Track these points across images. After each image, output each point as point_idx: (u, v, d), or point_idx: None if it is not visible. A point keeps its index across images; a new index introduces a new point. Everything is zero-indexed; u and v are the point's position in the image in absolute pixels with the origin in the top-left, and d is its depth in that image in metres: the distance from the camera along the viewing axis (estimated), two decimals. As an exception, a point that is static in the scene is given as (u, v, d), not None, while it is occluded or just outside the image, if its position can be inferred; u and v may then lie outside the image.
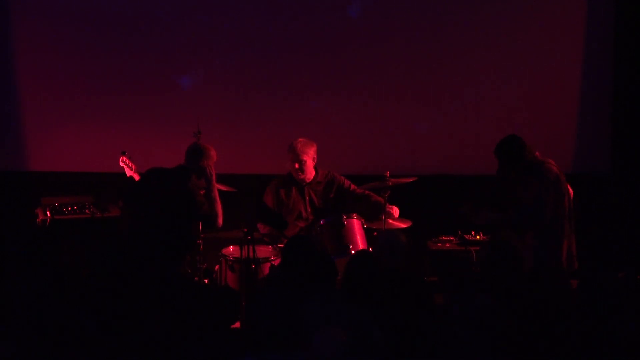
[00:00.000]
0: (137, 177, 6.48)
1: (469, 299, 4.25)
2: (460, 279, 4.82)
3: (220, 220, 6.21)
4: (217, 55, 8.05)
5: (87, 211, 7.13)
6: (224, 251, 6.81)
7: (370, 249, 6.58)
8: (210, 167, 6.22)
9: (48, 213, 7.03)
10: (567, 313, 4.83)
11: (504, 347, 4.21)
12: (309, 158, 6.92)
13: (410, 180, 6.96)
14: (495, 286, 5.12)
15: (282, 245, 6.25)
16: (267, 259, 6.61)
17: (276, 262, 6.57)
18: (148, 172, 6.33)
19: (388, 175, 6.78)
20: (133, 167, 6.48)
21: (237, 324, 5.90)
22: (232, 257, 6.68)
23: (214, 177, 6.23)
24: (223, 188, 6.61)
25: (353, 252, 6.52)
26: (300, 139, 6.94)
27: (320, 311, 4.62)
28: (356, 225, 6.71)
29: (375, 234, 6.75)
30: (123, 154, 6.52)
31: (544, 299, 4.94)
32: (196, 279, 6.55)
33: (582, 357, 4.55)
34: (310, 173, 6.98)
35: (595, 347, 4.54)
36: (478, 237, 7.37)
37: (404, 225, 6.82)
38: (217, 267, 6.86)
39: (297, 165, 6.91)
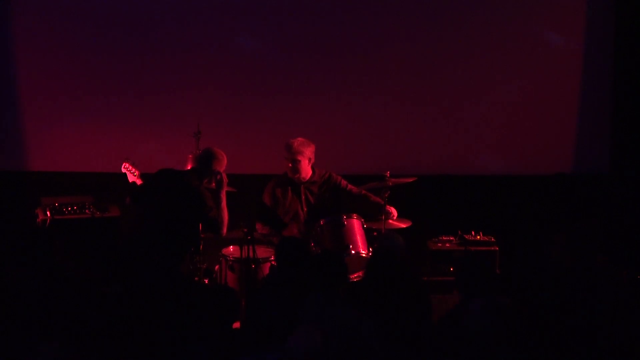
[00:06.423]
0: (139, 182, 6.48)
1: (489, 301, 4.23)
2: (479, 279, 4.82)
3: (224, 229, 6.22)
4: (218, 55, 8.04)
5: (87, 211, 7.13)
6: (224, 251, 6.82)
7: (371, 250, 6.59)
8: (223, 174, 6.24)
9: (48, 213, 7.03)
10: (571, 312, 4.85)
11: (517, 347, 4.20)
12: (304, 158, 6.91)
13: (410, 180, 6.97)
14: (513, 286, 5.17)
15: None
16: (267, 259, 6.61)
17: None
18: (160, 172, 6.34)
19: (388, 175, 6.78)
20: (136, 172, 6.49)
21: (237, 324, 5.90)
22: (232, 257, 6.68)
23: (225, 184, 6.24)
24: (226, 189, 6.61)
25: (353, 252, 6.53)
26: (299, 139, 6.94)
27: (316, 312, 4.63)
28: (356, 225, 6.71)
29: (375, 234, 6.76)
30: (126, 160, 6.52)
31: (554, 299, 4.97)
32: (196, 279, 6.55)
33: (582, 357, 4.56)
34: (305, 173, 6.97)
35: (596, 346, 4.55)
36: (478, 237, 7.37)
37: (403, 225, 6.82)
38: (217, 267, 6.86)
39: (290, 165, 6.91)
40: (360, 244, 6.62)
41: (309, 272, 5.17)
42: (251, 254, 6.34)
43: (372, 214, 6.89)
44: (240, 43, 8.03)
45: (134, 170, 6.49)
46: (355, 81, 8.14)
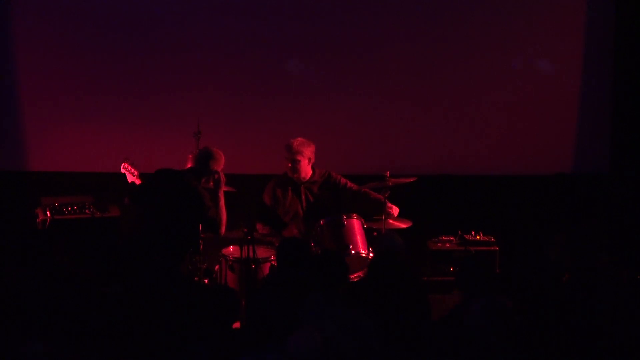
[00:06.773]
0: (138, 182, 6.48)
1: (489, 301, 4.24)
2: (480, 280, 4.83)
3: (223, 228, 6.22)
4: (218, 55, 8.04)
5: (87, 211, 7.13)
6: (224, 251, 6.81)
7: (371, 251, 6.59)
8: (221, 173, 6.24)
9: (48, 213, 7.03)
10: (571, 312, 4.85)
11: (517, 347, 4.21)
12: (304, 158, 6.92)
13: (410, 180, 6.97)
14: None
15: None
16: (267, 259, 6.61)
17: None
18: (158, 172, 6.34)
19: (388, 175, 6.78)
20: (136, 172, 6.48)
21: (237, 324, 5.90)
22: (232, 257, 6.68)
23: (222, 183, 6.25)
24: (224, 188, 6.61)
25: (353, 252, 6.53)
26: (299, 139, 6.94)
27: (316, 312, 4.63)
28: (356, 225, 6.71)
29: (375, 234, 6.76)
30: (125, 160, 6.52)
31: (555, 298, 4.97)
32: (196, 279, 6.55)
33: (583, 357, 4.56)
34: (305, 172, 6.98)
35: (596, 346, 4.55)
36: (478, 237, 7.37)
37: (404, 225, 6.82)
38: (217, 267, 6.86)
39: (290, 164, 6.92)
40: (360, 244, 6.61)
41: (309, 272, 5.17)
42: (251, 254, 6.33)
43: (373, 212, 6.89)
44: (240, 43, 8.03)
45: (133, 170, 6.49)
46: (355, 81, 8.14)
